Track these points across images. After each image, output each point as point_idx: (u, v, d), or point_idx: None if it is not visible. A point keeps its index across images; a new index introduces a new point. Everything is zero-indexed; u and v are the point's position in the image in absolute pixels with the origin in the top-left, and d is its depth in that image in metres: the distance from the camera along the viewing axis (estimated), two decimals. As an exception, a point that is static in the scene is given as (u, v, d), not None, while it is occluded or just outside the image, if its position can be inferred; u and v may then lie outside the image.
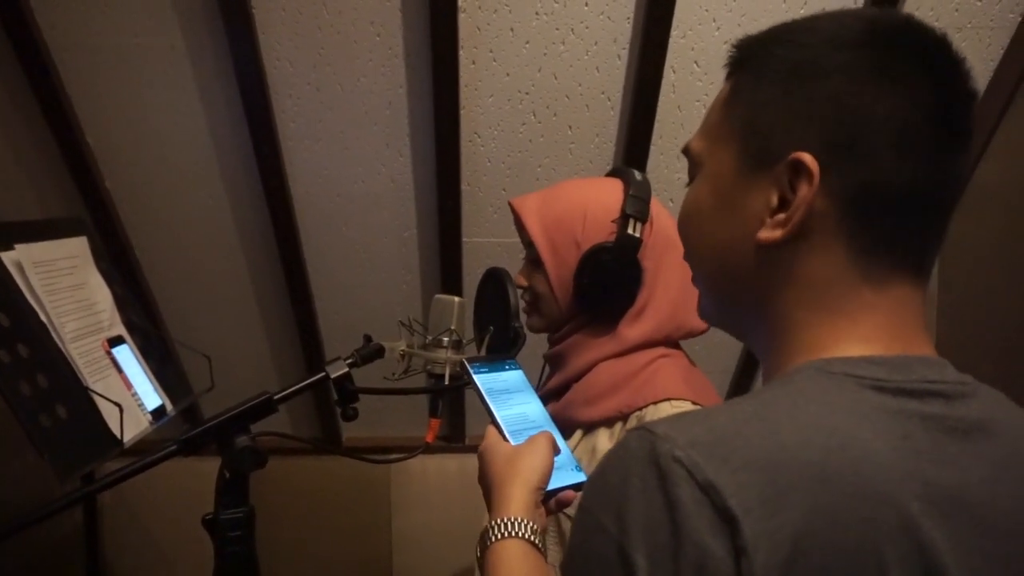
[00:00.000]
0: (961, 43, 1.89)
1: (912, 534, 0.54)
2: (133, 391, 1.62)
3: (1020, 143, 1.98)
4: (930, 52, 0.63)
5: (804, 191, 0.63)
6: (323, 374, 1.33)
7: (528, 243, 1.31)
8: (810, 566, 0.52)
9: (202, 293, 2.29)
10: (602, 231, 1.25)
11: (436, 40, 1.78)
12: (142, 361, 1.72)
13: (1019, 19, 1.87)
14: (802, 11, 1.83)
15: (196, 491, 2.06)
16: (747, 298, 0.70)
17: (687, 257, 0.77)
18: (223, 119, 1.94)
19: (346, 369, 1.33)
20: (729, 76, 0.72)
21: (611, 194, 1.27)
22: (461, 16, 1.77)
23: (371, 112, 1.94)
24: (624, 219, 1.25)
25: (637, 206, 1.26)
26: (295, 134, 1.97)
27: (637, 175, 1.32)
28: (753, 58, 0.69)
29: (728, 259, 0.70)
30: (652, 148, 2.00)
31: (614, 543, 0.54)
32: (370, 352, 1.38)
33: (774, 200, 0.65)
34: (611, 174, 1.35)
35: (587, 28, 1.83)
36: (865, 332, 0.64)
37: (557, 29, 1.83)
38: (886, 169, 0.62)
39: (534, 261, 1.31)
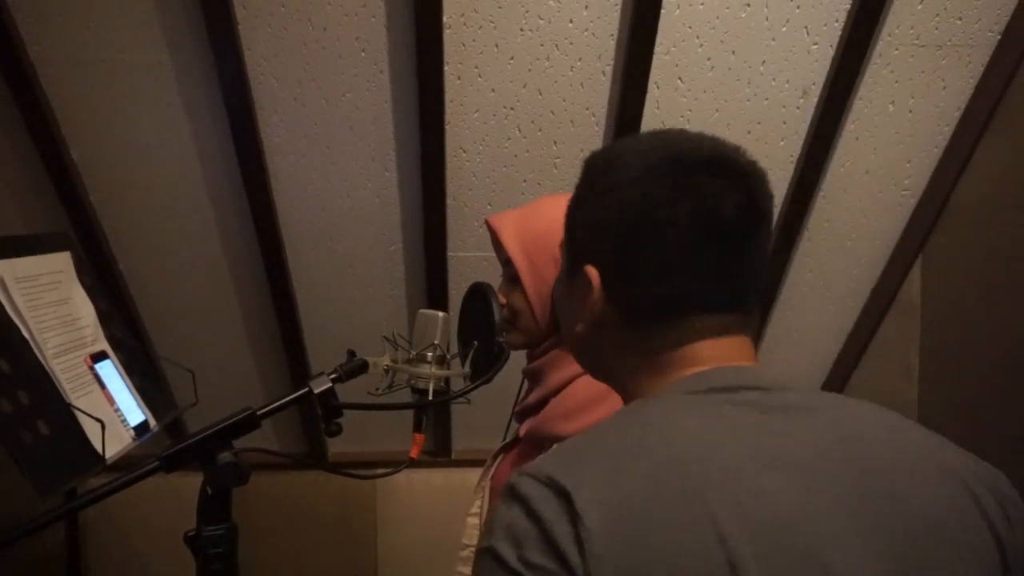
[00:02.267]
0: (941, 61, 1.93)
1: (732, 484, 0.63)
2: (116, 407, 1.61)
3: (999, 161, 2.00)
4: (697, 178, 0.74)
5: (591, 300, 0.78)
6: (306, 389, 1.32)
7: (506, 260, 1.32)
8: (636, 521, 0.60)
9: (187, 308, 2.28)
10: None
11: (421, 56, 1.79)
12: (125, 377, 1.71)
13: (998, 37, 1.90)
14: (783, 29, 1.86)
15: (179, 507, 2.04)
16: (591, 362, 0.88)
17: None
18: (209, 134, 1.94)
19: (329, 384, 1.32)
20: (576, 188, 0.86)
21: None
22: (446, 32, 1.78)
23: (357, 127, 1.95)
24: None
25: None
26: (280, 149, 1.98)
27: None
28: (581, 183, 0.84)
29: (570, 339, 0.87)
30: (637, 163, 2.01)
31: (485, 551, 0.64)
32: (354, 367, 1.37)
33: (579, 305, 0.81)
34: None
35: (572, 44, 1.84)
36: (671, 370, 0.77)
37: (542, 45, 1.84)
38: (652, 294, 0.76)
39: (512, 278, 1.31)
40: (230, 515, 1.25)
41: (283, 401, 1.32)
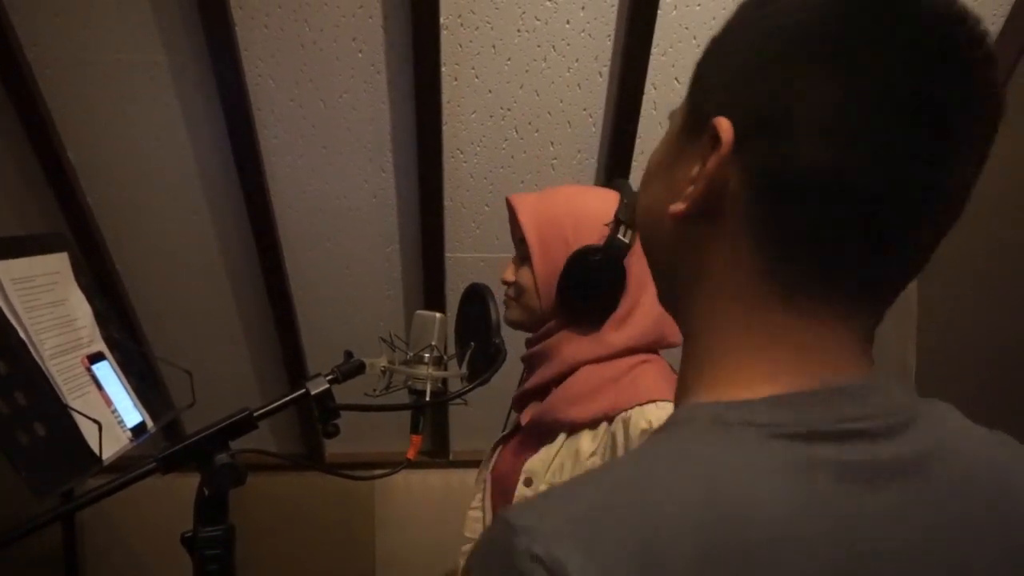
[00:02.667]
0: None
1: None
2: (113, 408, 1.61)
3: (997, 161, 2.00)
4: (909, 24, 0.49)
5: (712, 161, 0.52)
6: (303, 391, 1.33)
7: (520, 239, 1.33)
8: None
9: (184, 308, 2.28)
10: (593, 234, 1.27)
11: (418, 57, 1.79)
12: (122, 377, 1.71)
13: (996, 36, 1.90)
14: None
15: (177, 508, 2.04)
16: (666, 282, 0.63)
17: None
18: (205, 135, 1.94)
19: (327, 386, 1.33)
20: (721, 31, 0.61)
21: (606, 201, 1.29)
22: (443, 33, 1.78)
23: (353, 128, 1.95)
24: (615, 224, 1.27)
25: (629, 213, 1.28)
26: (277, 150, 1.98)
27: (633, 187, 1.34)
28: (728, 22, 0.58)
29: (651, 229, 0.61)
30: (633, 164, 2.02)
31: None
32: (351, 368, 1.38)
33: (695, 170, 0.54)
34: (608, 186, 1.38)
35: (569, 45, 1.85)
36: (774, 357, 0.53)
37: (539, 46, 1.84)
38: (819, 157, 0.49)
39: (523, 257, 1.33)
40: (227, 516, 1.26)
41: (280, 402, 1.32)
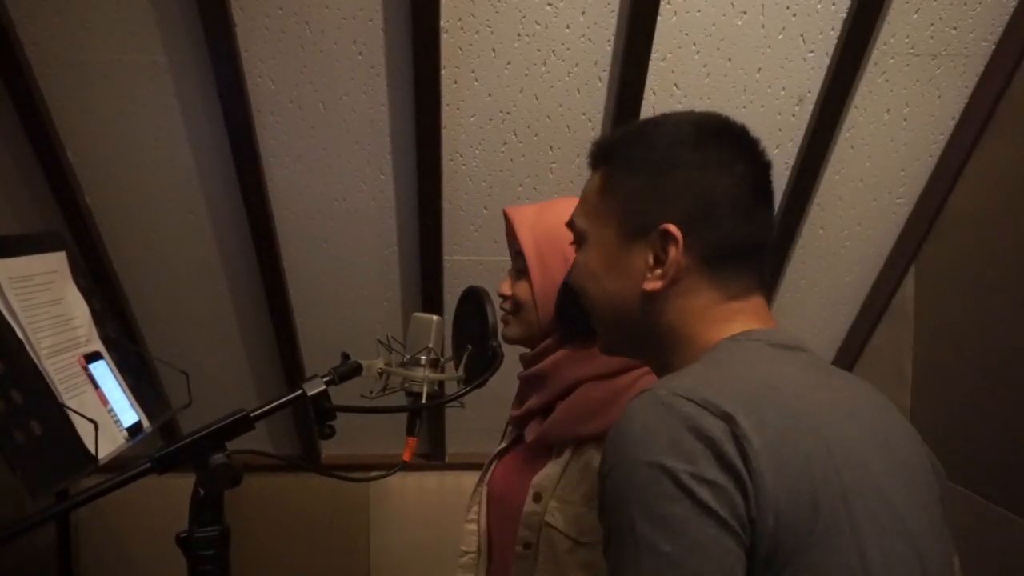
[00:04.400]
0: (936, 70, 1.94)
1: (833, 426, 0.76)
2: (109, 407, 1.60)
3: (993, 169, 2.01)
4: (740, 140, 0.89)
5: (673, 253, 0.85)
6: (300, 392, 1.32)
7: (517, 252, 1.31)
8: (782, 448, 0.71)
9: (181, 309, 2.28)
10: None
11: (418, 60, 1.80)
12: (119, 377, 1.71)
13: (993, 47, 1.91)
14: (779, 36, 1.87)
15: (171, 508, 2.04)
16: (640, 331, 0.92)
17: (586, 307, 0.98)
18: (204, 135, 1.94)
19: (323, 387, 1.32)
20: (596, 168, 0.95)
21: None
22: (443, 36, 1.79)
23: (353, 130, 1.95)
24: None
25: None
26: (276, 151, 1.98)
27: None
28: (615, 155, 0.93)
29: (622, 306, 0.91)
30: (632, 169, 2.02)
31: (647, 464, 0.69)
32: (347, 370, 1.37)
33: (651, 260, 0.87)
34: None
35: (568, 50, 1.85)
36: (743, 322, 0.87)
37: (539, 50, 1.85)
38: (729, 230, 0.86)
39: (520, 271, 1.31)
40: (223, 517, 1.25)
41: (277, 403, 1.31)
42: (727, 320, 0.87)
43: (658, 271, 0.87)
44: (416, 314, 1.38)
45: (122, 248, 2.13)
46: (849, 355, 2.51)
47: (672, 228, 0.85)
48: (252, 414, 1.27)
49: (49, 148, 1.88)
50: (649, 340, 0.92)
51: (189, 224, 2.10)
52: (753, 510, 0.68)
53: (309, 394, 1.31)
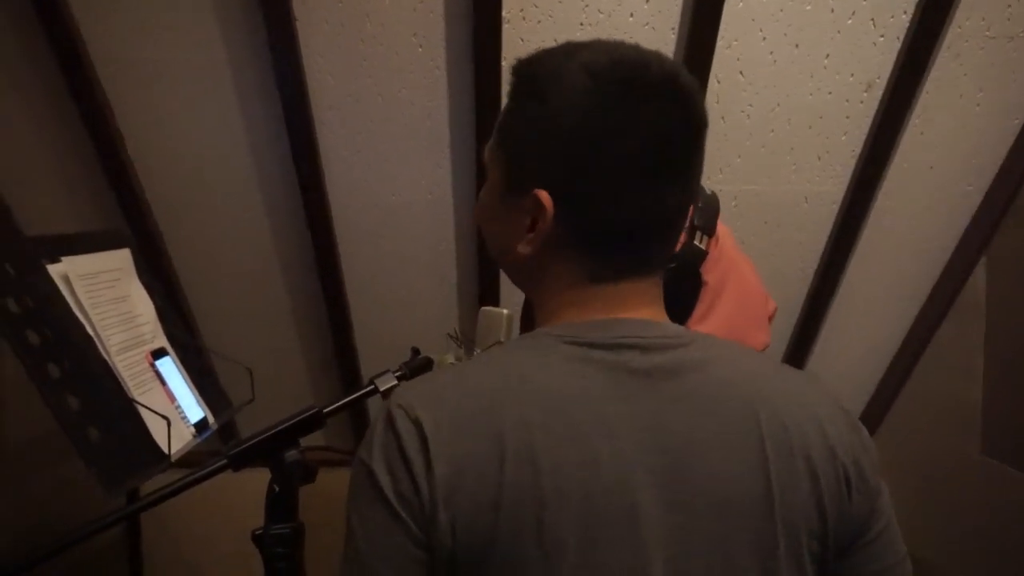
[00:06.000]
0: (1012, 53, 1.87)
1: (564, 449, 0.71)
2: (176, 404, 1.60)
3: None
4: (652, 96, 0.75)
5: (541, 223, 0.79)
6: (372, 387, 1.31)
7: None
8: (469, 457, 0.70)
9: (238, 306, 2.28)
10: None
11: (479, 51, 1.77)
12: (184, 374, 1.71)
13: (1072, 28, 1.84)
14: (849, 21, 1.82)
15: (235, 505, 2.04)
16: (523, 283, 0.89)
17: (486, 241, 0.94)
18: (263, 131, 1.93)
19: (395, 382, 1.31)
20: (509, 97, 0.84)
21: None
22: (504, 27, 1.76)
23: (411, 124, 1.93)
24: (691, 230, 1.23)
25: (705, 219, 1.25)
26: (335, 146, 1.97)
27: (707, 190, 1.30)
28: (514, 95, 0.83)
29: (505, 255, 0.86)
30: (695, 160, 1.98)
31: (361, 464, 0.74)
32: (419, 365, 1.36)
33: (527, 222, 0.80)
34: None
35: (632, 39, 1.80)
36: (585, 309, 0.81)
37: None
38: (604, 213, 0.77)
39: None
40: (296, 514, 1.24)
41: (349, 399, 1.31)
42: (578, 301, 0.81)
43: (530, 235, 0.80)
44: (485, 308, 1.37)
45: (181, 245, 2.13)
46: (914, 348, 2.44)
47: (544, 196, 0.77)
48: (325, 410, 1.27)
49: (110, 146, 1.88)
50: (529, 296, 0.89)
51: (247, 220, 2.10)
52: (429, 513, 0.70)
53: (382, 389, 1.30)
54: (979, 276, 2.25)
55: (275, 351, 2.38)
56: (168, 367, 1.65)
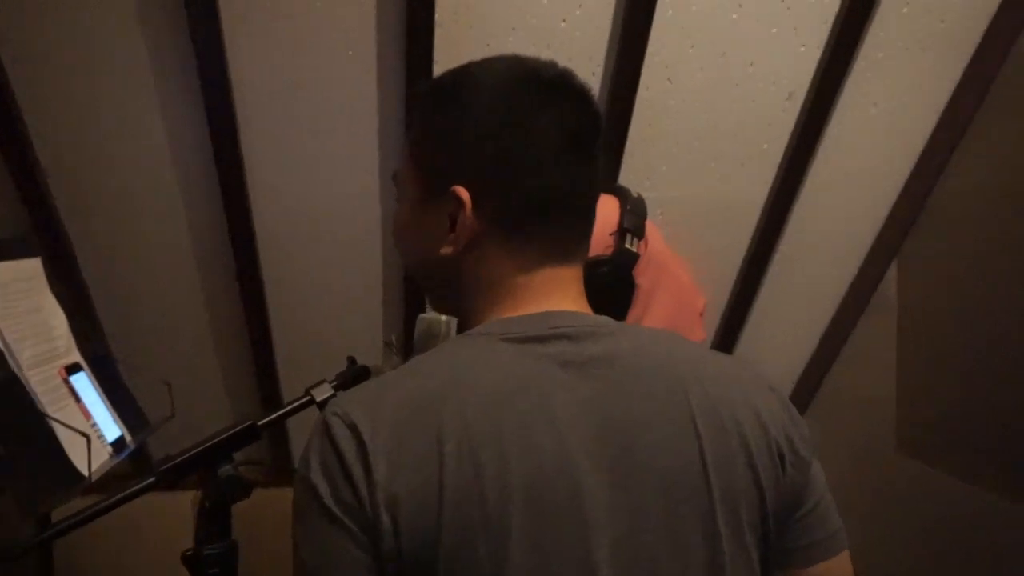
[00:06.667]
0: (923, 63, 1.95)
1: (513, 435, 0.72)
2: (92, 421, 1.52)
3: (977, 164, 2.03)
4: (549, 91, 0.83)
5: (462, 218, 0.83)
6: (308, 397, 1.28)
7: None
8: (406, 458, 0.70)
9: (153, 320, 2.19)
10: (599, 244, 1.24)
11: (411, 54, 1.74)
12: (99, 390, 1.62)
13: (979, 40, 1.92)
14: (773, 30, 1.86)
15: (156, 529, 1.95)
16: (448, 295, 0.91)
17: (404, 262, 0.99)
18: (184, 135, 1.85)
19: (332, 392, 1.28)
20: (416, 117, 0.90)
21: (606, 208, 1.25)
22: (437, 30, 1.73)
23: (340, 127, 1.88)
24: (621, 234, 1.24)
25: (634, 221, 1.25)
26: (259, 149, 1.90)
27: (633, 193, 1.31)
28: (421, 108, 0.89)
29: (426, 267, 0.90)
30: (623, 166, 1.99)
31: (302, 479, 0.73)
32: (356, 374, 1.33)
33: (447, 223, 0.84)
34: (606, 192, 1.33)
35: (563, 44, 1.81)
36: (515, 303, 0.83)
37: (533, 44, 1.80)
38: (523, 197, 0.82)
39: None
40: (231, 532, 1.20)
41: (284, 411, 1.27)
42: (509, 295, 0.84)
43: (452, 235, 0.84)
44: (423, 315, 1.34)
45: (92, 255, 2.03)
46: (832, 347, 2.52)
47: (460, 191, 0.82)
48: (259, 423, 1.22)
49: (19, 148, 1.78)
50: (452, 303, 0.91)
51: (165, 228, 2.01)
52: (372, 518, 0.70)
53: (318, 399, 1.27)
54: (891, 277, 2.34)
55: (191, 367, 2.29)
56: (83, 383, 1.57)
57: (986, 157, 2.01)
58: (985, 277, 2.03)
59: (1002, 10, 1.87)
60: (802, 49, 1.90)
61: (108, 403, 1.63)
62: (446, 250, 0.85)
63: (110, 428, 1.58)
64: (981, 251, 2.04)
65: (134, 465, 2.17)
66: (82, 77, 1.75)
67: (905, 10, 1.86)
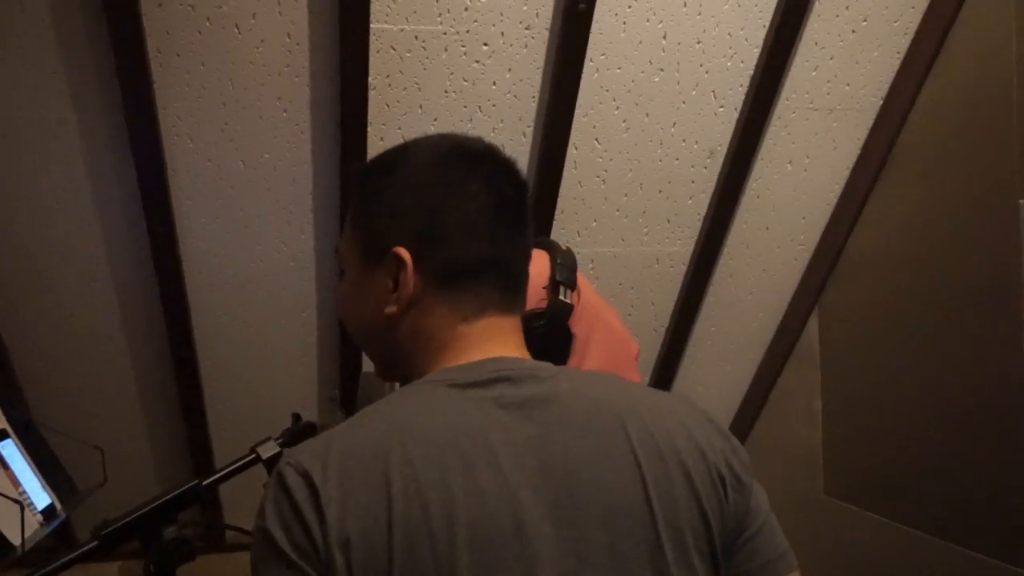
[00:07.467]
0: (832, 123, 2.07)
1: (453, 479, 0.74)
2: (22, 489, 1.47)
3: (887, 217, 2.15)
4: (477, 161, 0.89)
5: (403, 276, 0.86)
6: (254, 455, 1.26)
7: None
8: (360, 503, 0.72)
9: (78, 385, 2.13)
10: (532, 298, 1.26)
11: (345, 116, 1.78)
12: (27, 457, 1.57)
13: (881, 102, 2.06)
14: (693, 92, 1.96)
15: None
16: (395, 357, 0.93)
17: (352, 332, 1.00)
18: (113, 196, 1.84)
19: (278, 449, 1.27)
20: (356, 195, 0.95)
21: (539, 263, 1.28)
22: (371, 93, 1.77)
23: (274, 189, 1.90)
24: (554, 286, 1.27)
25: (566, 273, 1.28)
26: (191, 212, 1.90)
27: (562, 245, 1.34)
28: (360, 184, 0.94)
29: (373, 332, 0.93)
30: (554, 223, 2.05)
31: (259, 529, 0.74)
32: (301, 430, 1.32)
33: (390, 284, 0.88)
34: (536, 246, 1.37)
35: (494, 106, 1.87)
36: (457, 352, 0.86)
37: (465, 107, 1.86)
38: (459, 250, 0.86)
39: None
40: (175, 597, 1.17)
41: (228, 469, 1.25)
42: (451, 344, 0.87)
43: (394, 295, 0.88)
44: (366, 371, 1.35)
45: (12, 317, 1.97)
46: (758, 397, 2.60)
47: (401, 251, 0.86)
48: (204, 483, 1.20)
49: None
50: (399, 365, 0.94)
51: (91, 291, 1.97)
52: (326, 560, 0.71)
53: (264, 457, 1.25)
54: (812, 327, 2.44)
55: (120, 433, 2.23)
56: (10, 450, 1.52)
57: (896, 209, 2.14)
58: (899, 327, 2.14)
59: (901, 72, 2.01)
60: (721, 110, 2.00)
61: (36, 470, 1.58)
62: (391, 309, 0.88)
63: (39, 496, 1.53)
64: (893, 302, 2.15)
65: (58, 537, 2.08)
66: (7, 136, 1.73)
67: (814, 73, 1.99)
